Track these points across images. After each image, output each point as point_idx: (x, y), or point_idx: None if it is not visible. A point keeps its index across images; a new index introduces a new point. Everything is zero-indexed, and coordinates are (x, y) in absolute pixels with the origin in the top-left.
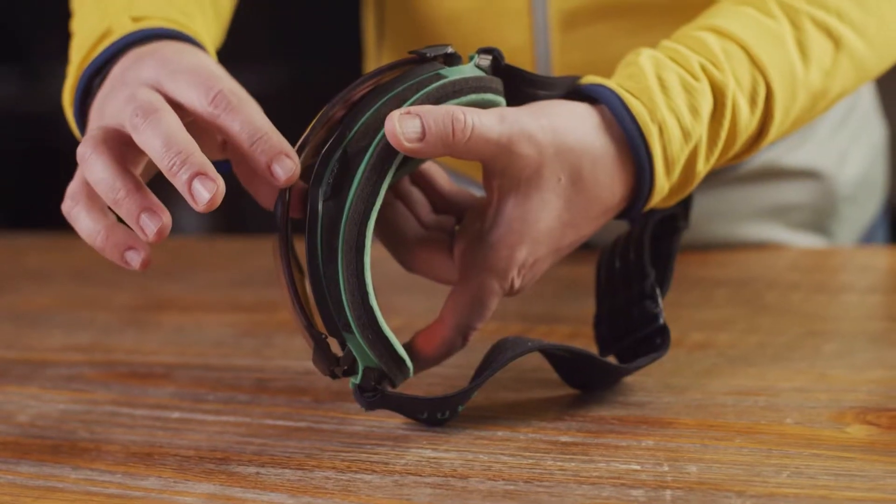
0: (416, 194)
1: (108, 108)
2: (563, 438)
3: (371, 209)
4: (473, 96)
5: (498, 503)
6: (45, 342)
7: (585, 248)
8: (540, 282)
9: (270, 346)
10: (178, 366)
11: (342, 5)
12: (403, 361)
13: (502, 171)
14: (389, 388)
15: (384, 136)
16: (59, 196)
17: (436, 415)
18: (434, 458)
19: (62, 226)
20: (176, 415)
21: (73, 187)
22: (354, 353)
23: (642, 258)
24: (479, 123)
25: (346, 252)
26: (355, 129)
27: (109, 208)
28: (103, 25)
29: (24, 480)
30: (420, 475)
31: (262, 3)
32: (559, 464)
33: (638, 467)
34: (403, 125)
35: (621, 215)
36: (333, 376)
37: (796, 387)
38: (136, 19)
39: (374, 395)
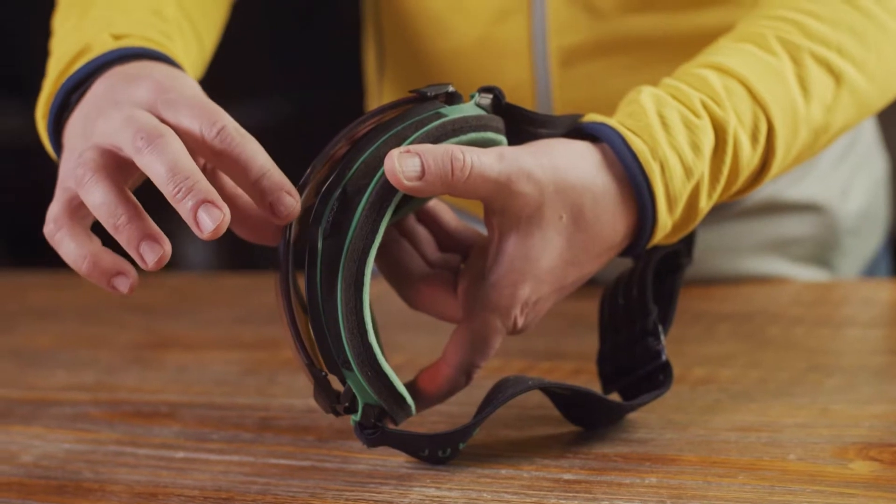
0: (422, 232)
1: (101, 128)
2: (567, 476)
3: (370, 246)
4: (474, 135)
5: None
6: (49, 381)
7: (589, 284)
8: (543, 317)
9: (274, 384)
10: (182, 404)
11: (344, 40)
12: (404, 399)
13: (502, 209)
14: (390, 426)
15: (384, 174)
16: None
17: (437, 452)
18: (437, 496)
19: (65, 263)
20: (180, 454)
21: (55, 210)
22: (354, 391)
23: (645, 295)
24: (478, 162)
25: (346, 289)
26: (355, 167)
27: (93, 231)
28: (82, 42)
29: None
30: None
31: (263, 37)
32: (563, 502)
33: None
34: (403, 164)
35: (624, 253)
36: (336, 414)
37: (799, 422)
38: (116, 37)
39: (375, 432)
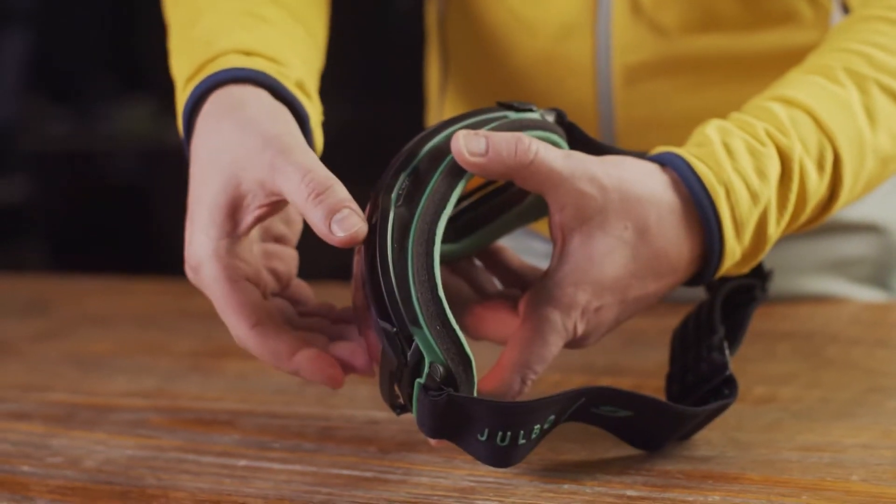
0: (482, 272)
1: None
2: (630, 493)
3: (442, 210)
4: (540, 132)
5: None
6: (109, 387)
7: None
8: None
9: (334, 395)
10: (242, 413)
11: (409, 56)
12: (469, 361)
13: (563, 205)
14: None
15: (453, 157)
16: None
17: (496, 435)
18: None
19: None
20: (242, 462)
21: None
22: (422, 348)
23: (713, 317)
24: (543, 150)
25: (417, 246)
26: (425, 149)
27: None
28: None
29: None
30: None
31: (328, 47)
32: None
33: None
34: (468, 142)
35: (693, 281)
36: (396, 408)
37: (861, 443)
38: (246, 53)
39: (440, 393)
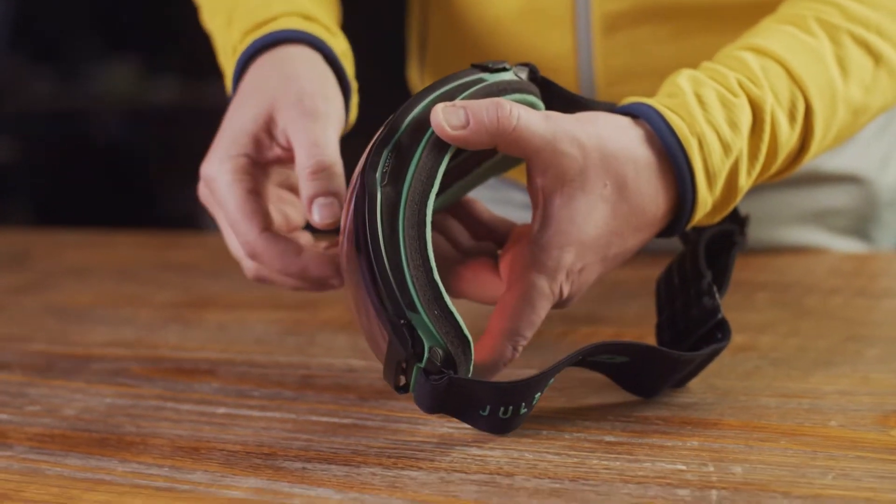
0: (454, 224)
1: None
2: (608, 438)
3: (430, 189)
4: (517, 95)
5: (545, 501)
6: (90, 337)
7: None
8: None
9: (314, 345)
10: (222, 362)
11: (385, 11)
12: (468, 342)
13: (545, 168)
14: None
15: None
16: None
17: (498, 410)
18: (479, 455)
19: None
20: (221, 410)
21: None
22: (420, 332)
23: (698, 264)
24: (524, 115)
25: (408, 229)
26: (406, 122)
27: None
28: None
29: (72, 472)
30: (466, 472)
31: None
32: (605, 463)
33: (683, 467)
34: (447, 115)
35: (665, 231)
36: (403, 372)
37: (839, 390)
38: (305, 17)
39: (441, 377)
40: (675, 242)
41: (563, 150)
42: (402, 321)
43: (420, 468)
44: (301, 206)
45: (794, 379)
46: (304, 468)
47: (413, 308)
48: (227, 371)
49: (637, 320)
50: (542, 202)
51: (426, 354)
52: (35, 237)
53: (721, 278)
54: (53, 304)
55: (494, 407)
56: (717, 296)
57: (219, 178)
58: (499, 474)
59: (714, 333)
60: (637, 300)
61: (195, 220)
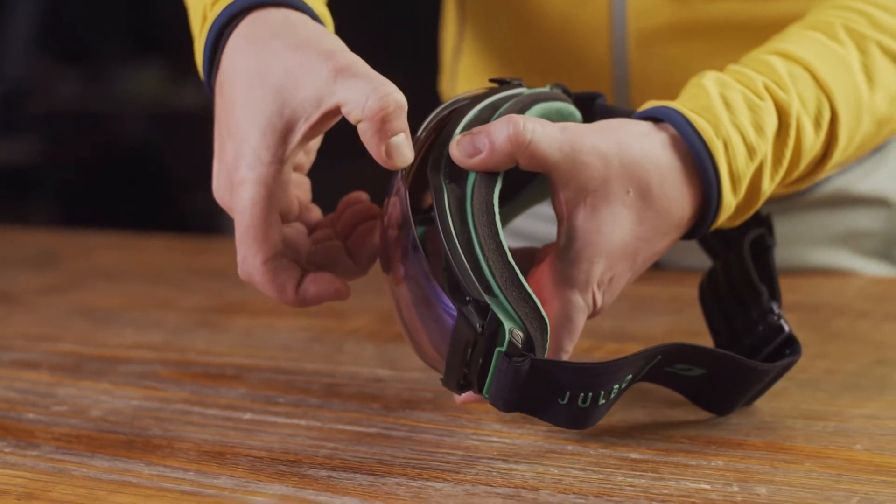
0: None
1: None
2: (633, 455)
3: (494, 182)
4: (557, 104)
5: None
6: (118, 340)
7: (654, 267)
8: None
9: (340, 353)
10: (249, 368)
11: (422, 19)
12: (546, 324)
13: (567, 182)
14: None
15: None
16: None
17: (578, 397)
18: (505, 468)
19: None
20: (248, 416)
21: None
22: (499, 315)
23: (750, 278)
24: (540, 130)
25: (478, 217)
26: (460, 127)
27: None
28: None
29: (98, 474)
30: (491, 485)
31: (341, 13)
32: (629, 480)
33: (708, 486)
34: (462, 145)
35: (689, 234)
36: (459, 387)
37: (866, 413)
38: None
39: (523, 359)
40: (703, 259)
41: (582, 161)
42: (480, 303)
43: (445, 480)
44: (306, 185)
45: (821, 401)
46: (329, 476)
47: (490, 291)
48: (253, 377)
49: (665, 337)
50: (566, 216)
51: (507, 337)
52: (62, 238)
53: (772, 286)
54: (82, 306)
55: (574, 392)
56: (780, 313)
57: (243, 191)
58: (524, 488)
59: (783, 350)
60: (664, 317)
61: (218, 224)
